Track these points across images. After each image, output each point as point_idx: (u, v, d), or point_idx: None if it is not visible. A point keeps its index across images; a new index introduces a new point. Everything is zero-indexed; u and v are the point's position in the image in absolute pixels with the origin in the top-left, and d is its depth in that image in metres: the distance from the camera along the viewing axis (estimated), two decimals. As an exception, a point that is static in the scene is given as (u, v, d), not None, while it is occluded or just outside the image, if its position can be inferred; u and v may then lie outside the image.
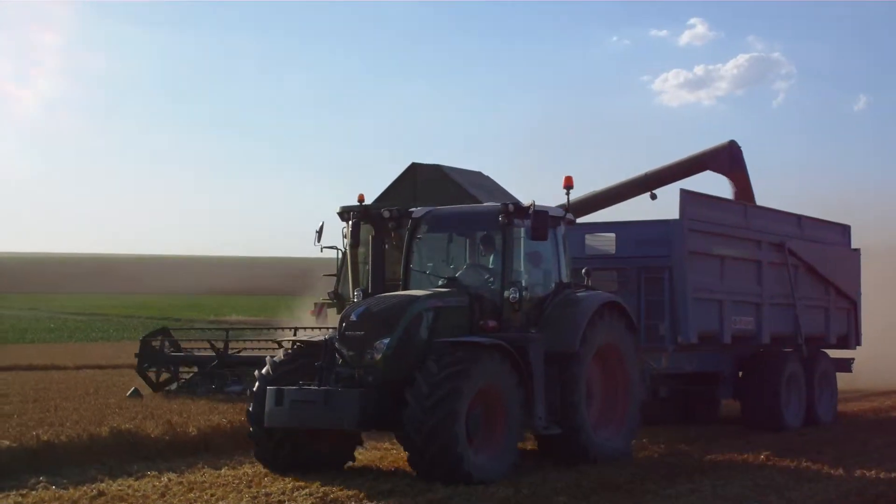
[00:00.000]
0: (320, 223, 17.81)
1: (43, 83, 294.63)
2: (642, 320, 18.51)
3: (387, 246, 16.65)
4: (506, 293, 14.91)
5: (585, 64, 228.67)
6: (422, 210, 16.06)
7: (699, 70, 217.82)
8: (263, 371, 14.58)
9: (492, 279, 15.31)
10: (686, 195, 19.15)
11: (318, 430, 14.10)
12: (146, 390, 22.63)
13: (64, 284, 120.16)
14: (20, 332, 62.27)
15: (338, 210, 18.06)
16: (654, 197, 22.57)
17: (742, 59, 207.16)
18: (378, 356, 13.81)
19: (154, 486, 13.23)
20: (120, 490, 12.90)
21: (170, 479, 13.63)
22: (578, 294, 16.03)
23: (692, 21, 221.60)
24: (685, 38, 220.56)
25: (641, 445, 17.35)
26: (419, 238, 15.88)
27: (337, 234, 18.18)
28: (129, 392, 21.80)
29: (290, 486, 13.18)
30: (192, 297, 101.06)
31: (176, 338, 24.50)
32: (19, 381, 26.12)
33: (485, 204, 16.12)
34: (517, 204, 15.18)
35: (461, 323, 14.73)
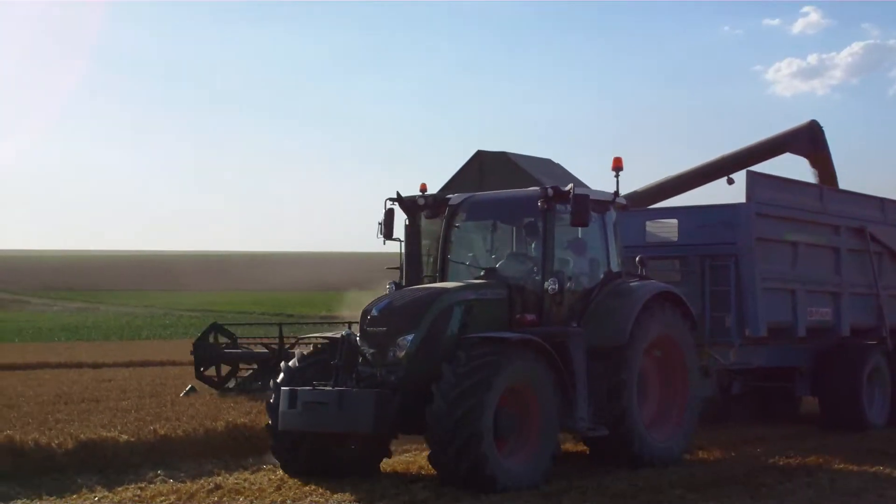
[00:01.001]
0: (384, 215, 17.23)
1: (152, 85, 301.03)
2: (707, 312, 17.34)
3: None
4: (545, 284, 13.93)
5: (696, 54, 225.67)
6: (459, 197, 15.21)
7: (812, 59, 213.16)
8: (291, 363, 13.76)
9: (536, 269, 14.30)
10: (753, 177, 17.86)
11: (340, 433, 13.16)
12: (202, 386, 22.28)
13: (178, 282, 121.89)
14: (135, 330, 63.55)
15: None
16: (731, 182, 21.28)
17: (857, 46, 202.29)
18: (401, 354, 12.84)
19: (269, 479, 13.19)
20: (236, 483, 12.87)
21: (285, 473, 13.49)
22: (630, 284, 14.93)
23: (805, 9, 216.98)
24: (798, 26, 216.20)
25: (724, 445, 16.46)
26: (457, 227, 15.05)
27: (400, 225, 17.63)
28: (186, 390, 21.42)
29: (407, 479, 12.94)
30: (306, 294, 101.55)
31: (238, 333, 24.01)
32: (136, 376, 26.44)
33: (524, 189, 15.21)
34: (557, 188, 14.21)
35: (498, 317, 13.74)
